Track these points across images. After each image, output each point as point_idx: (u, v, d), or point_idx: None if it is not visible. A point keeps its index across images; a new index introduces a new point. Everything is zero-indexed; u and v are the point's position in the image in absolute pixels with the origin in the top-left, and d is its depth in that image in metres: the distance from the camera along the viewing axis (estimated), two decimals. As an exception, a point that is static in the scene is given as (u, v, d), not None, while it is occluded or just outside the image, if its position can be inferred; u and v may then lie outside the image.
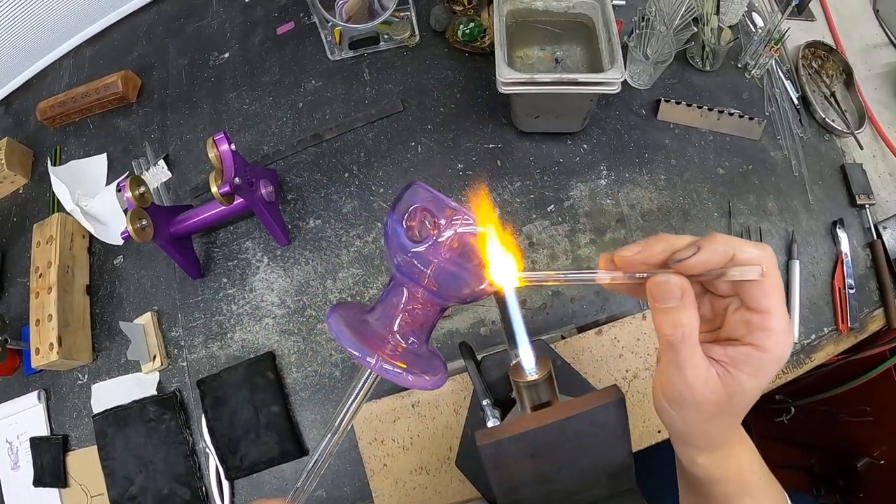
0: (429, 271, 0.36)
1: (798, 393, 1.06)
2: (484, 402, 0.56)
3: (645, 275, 0.29)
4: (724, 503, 0.34)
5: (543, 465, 0.38)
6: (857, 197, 0.78)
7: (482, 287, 0.37)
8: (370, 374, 0.37)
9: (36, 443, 0.80)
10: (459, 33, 0.84)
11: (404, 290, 0.38)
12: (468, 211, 0.36)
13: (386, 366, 0.35)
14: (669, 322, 0.27)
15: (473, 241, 0.35)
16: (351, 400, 0.37)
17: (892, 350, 0.84)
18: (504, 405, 0.57)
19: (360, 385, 0.37)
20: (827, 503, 1.12)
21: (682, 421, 0.30)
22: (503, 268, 0.34)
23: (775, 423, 1.10)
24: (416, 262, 0.36)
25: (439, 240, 0.35)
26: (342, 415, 0.37)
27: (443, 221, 0.35)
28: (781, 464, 1.18)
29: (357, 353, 0.35)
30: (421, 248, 0.35)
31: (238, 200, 0.73)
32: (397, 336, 0.38)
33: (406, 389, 0.70)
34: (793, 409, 1.07)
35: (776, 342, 0.27)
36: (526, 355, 0.37)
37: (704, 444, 0.32)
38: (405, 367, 0.36)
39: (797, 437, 1.14)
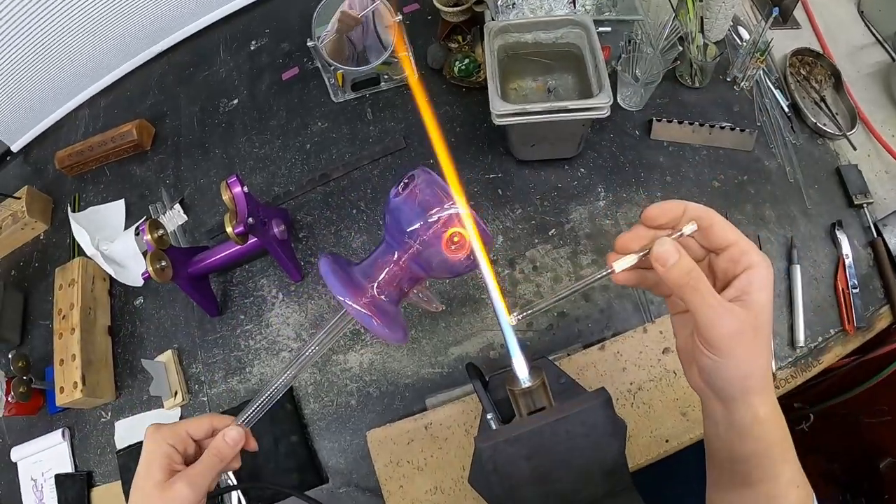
0: (417, 245, 0.41)
1: (816, 399, 1.06)
2: (488, 416, 0.58)
3: (643, 254, 0.35)
4: (769, 471, 0.36)
5: (540, 465, 0.40)
6: (854, 197, 0.79)
7: (458, 271, 0.42)
8: (345, 314, 0.42)
9: (60, 479, 0.82)
10: (456, 69, 0.88)
11: (394, 253, 0.43)
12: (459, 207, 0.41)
13: (362, 309, 0.41)
14: (682, 273, 0.33)
15: (459, 234, 0.40)
16: (323, 334, 0.43)
17: (904, 346, 0.84)
18: (509, 421, 0.58)
19: (335, 322, 0.43)
20: (852, 509, 1.11)
21: (731, 357, 0.33)
22: (503, 320, 0.39)
23: (796, 431, 1.09)
24: (409, 236, 0.41)
25: (436, 224, 0.40)
26: (310, 348, 0.44)
27: (440, 206, 0.41)
28: (805, 471, 1.17)
29: (340, 295, 0.41)
30: (417, 226, 0.41)
31: (252, 240, 0.76)
32: (375, 290, 0.43)
33: (420, 412, 0.71)
34: (811, 416, 1.06)
35: (758, 256, 0.34)
36: (519, 365, 0.41)
37: (761, 375, 0.34)
38: (374, 315, 0.41)
39: (818, 444, 1.13)
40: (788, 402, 1.06)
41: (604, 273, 0.36)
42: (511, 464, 0.40)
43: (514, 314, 0.38)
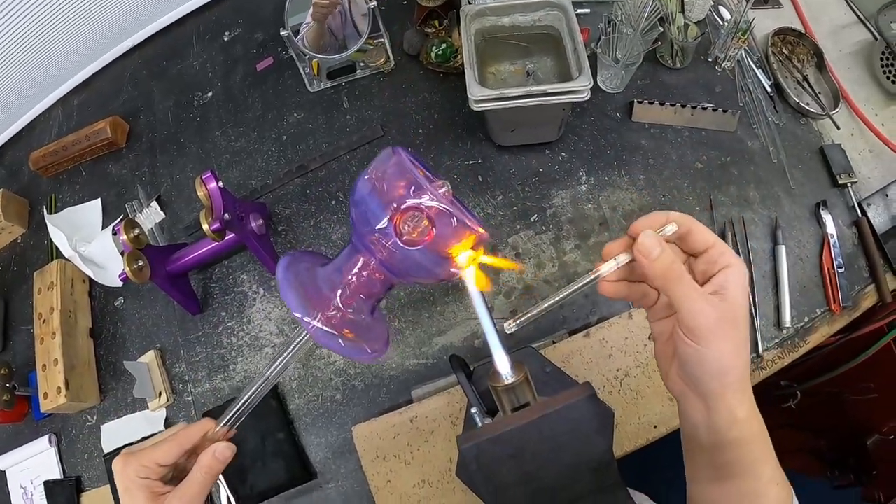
0: (389, 246, 0.35)
1: (802, 377, 1.07)
2: (472, 410, 0.57)
3: (627, 258, 0.37)
4: (749, 469, 0.37)
5: (525, 464, 0.39)
6: (838, 177, 0.79)
7: (444, 277, 0.38)
8: (306, 334, 0.37)
9: (49, 486, 0.81)
10: (433, 55, 0.86)
11: (360, 257, 0.37)
12: (442, 192, 0.35)
13: (324, 327, 0.36)
14: (665, 265, 0.35)
15: (445, 231, 0.35)
16: (283, 355, 0.39)
17: (890, 325, 0.84)
18: (495, 413, 0.58)
19: (297, 343, 0.38)
20: (842, 485, 1.12)
21: (712, 346, 0.35)
22: (488, 326, 0.38)
23: (783, 409, 1.10)
24: (379, 236, 0.35)
25: (396, 209, 0.34)
26: (272, 367, 0.39)
27: (405, 190, 0.34)
28: (792, 449, 1.18)
29: (298, 313, 0.36)
30: (386, 224, 0.34)
31: (230, 235, 0.75)
32: (341, 301, 0.37)
33: (406, 403, 0.71)
34: (798, 394, 1.07)
35: (734, 257, 0.36)
36: (501, 361, 0.39)
37: (739, 374, 0.36)
38: (342, 333, 0.36)
39: (806, 421, 1.14)
40: (775, 380, 1.06)
41: (592, 277, 0.37)
42: (495, 463, 0.39)
43: (510, 323, 0.38)
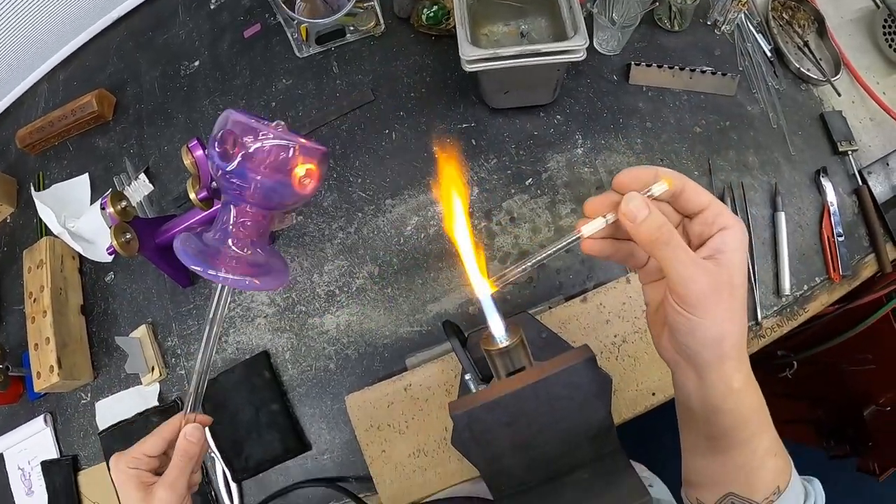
0: (250, 187, 0.41)
1: (799, 346, 1.06)
2: (466, 377, 0.56)
3: (612, 218, 0.34)
4: (746, 441, 0.36)
5: (521, 431, 0.38)
6: (838, 144, 0.78)
7: (302, 195, 0.43)
8: (221, 286, 0.42)
9: (47, 466, 0.81)
10: (423, 17, 0.84)
11: (231, 207, 0.43)
12: (274, 129, 0.41)
13: (229, 276, 0.41)
14: (653, 228, 0.32)
15: (285, 157, 0.41)
16: (210, 314, 0.43)
17: (889, 295, 0.84)
18: (491, 380, 0.57)
19: (217, 298, 0.43)
20: (838, 455, 1.12)
21: (706, 314, 0.32)
22: (474, 277, 0.37)
23: (780, 378, 1.10)
24: (234, 180, 0.41)
25: (246, 157, 0.40)
26: (206, 330, 0.44)
27: (249, 139, 0.40)
28: (789, 419, 1.18)
29: (199, 269, 0.41)
30: (233, 166, 0.40)
31: (218, 204, 0.73)
32: (234, 248, 0.43)
33: (400, 372, 0.70)
34: (795, 364, 1.07)
35: (731, 218, 0.33)
36: (494, 323, 0.38)
37: (735, 341, 0.33)
38: (246, 275, 0.41)
39: (802, 391, 1.14)
40: (772, 349, 1.06)
41: (573, 238, 0.35)
42: (490, 431, 0.38)
43: (493, 280, 0.36)
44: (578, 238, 0.35)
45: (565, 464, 0.39)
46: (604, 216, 0.34)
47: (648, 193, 0.33)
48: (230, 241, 0.43)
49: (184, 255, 0.41)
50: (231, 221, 0.43)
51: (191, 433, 0.43)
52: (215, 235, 0.44)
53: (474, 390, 0.55)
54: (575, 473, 0.39)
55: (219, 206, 0.73)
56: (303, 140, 0.42)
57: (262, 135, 0.41)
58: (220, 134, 0.41)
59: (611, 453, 0.39)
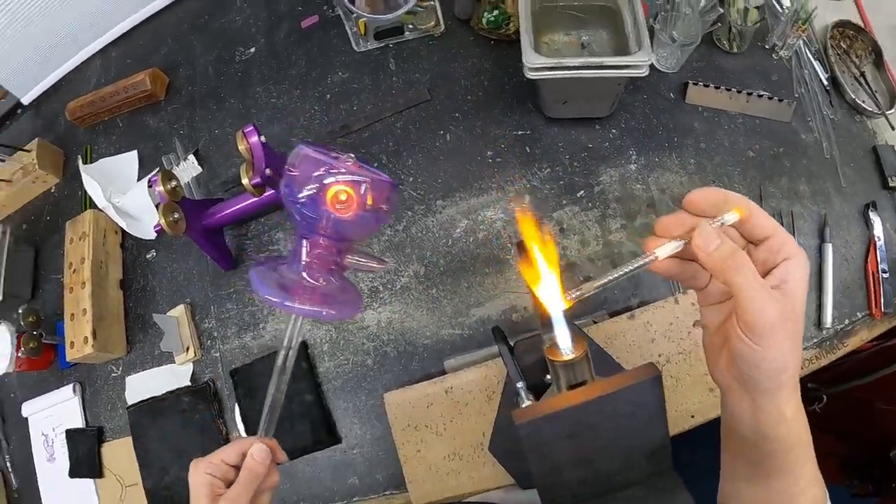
0: (321, 220, 0.43)
1: (831, 381, 1.05)
2: (518, 385, 0.56)
3: (684, 243, 0.34)
4: (790, 469, 0.36)
5: (582, 445, 0.37)
6: (889, 179, 0.77)
7: (372, 230, 0.48)
8: (294, 318, 0.45)
9: (71, 434, 0.82)
10: (484, 21, 0.84)
11: (305, 241, 0.45)
12: (347, 165, 0.43)
13: (304, 307, 0.43)
14: (724, 256, 0.32)
15: (357, 192, 0.42)
16: (286, 342, 0.45)
17: (930, 336, 0.82)
18: (536, 390, 0.56)
19: (292, 328, 0.45)
20: (860, 493, 1.10)
21: (771, 346, 0.32)
22: (549, 293, 0.36)
23: (808, 411, 1.08)
24: (305, 212, 0.43)
25: (318, 191, 0.42)
26: (280, 359, 0.46)
27: (321, 172, 0.42)
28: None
29: (276, 300, 0.42)
30: (304, 200, 0.42)
31: (269, 192, 0.74)
32: (309, 280, 0.45)
33: (438, 373, 0.70)
34: (825, 398, 1.05)
35: (796, 248, 0.33)
36: (562, 334, 0.37)
37: (793, 372, 0.34)
38: (320, 305, 0.43)
39: (830, 425, 1.12)
40: (802, 382, 1.04)
41: (648, 259, 0.35)
42: (551, 443, 0.37)
43: (572, 292, 0.36)
44: (653, 259, 0.35)
45: (621, 479, 0.39)
46: (676, 240, 0.34)
47: (720, 222, 0.33)
48: (304, 273, 0.45)
49: (260, 286, 0.43)
50: (305, 253, 0.45)
51: (257, 453, 0.45)
52: (291, 267, 0.46)
53: (525, 399, 0.55)
54: (629, 489, 0.39)
55: (270, 193, 0.74)
56: (377, 174, 0.44)
57: (334, 170, 0.42)
58: (294, 167, 0.43)
59: (664, 471, 0.39)
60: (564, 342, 0.38)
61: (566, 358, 0.37)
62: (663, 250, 0.34)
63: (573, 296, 0.36)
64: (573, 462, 0.38)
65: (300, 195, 0.42)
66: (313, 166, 0.43)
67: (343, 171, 0.43)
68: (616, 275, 0.35)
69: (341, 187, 0.42)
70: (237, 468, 0.45)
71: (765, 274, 0.34)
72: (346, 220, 0.43)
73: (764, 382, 0.33)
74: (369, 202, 0.43)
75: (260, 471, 0.44)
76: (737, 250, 0.32)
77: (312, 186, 0.42)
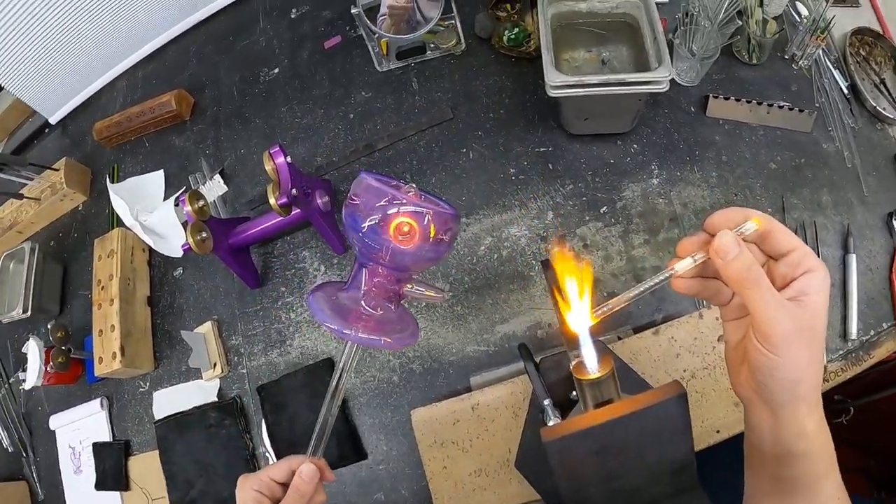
0: (381, 250, 0.43)
1: (858, 392, 1.03)
2: (545, 402, 0.56)
3: (703, 256, 0.35)
4: (812, 485, 0.36)
5: (609, 462, 0.38)
6: (913, 187, 0.77)
7: (432, 261, 0.45)
8: (350, 343, 0.44)
9: (98, 448, 0.84)
10: (505, 39, 0.85)
11: (364, 269, 0.45)
12: (409, 195, 0.43)
13: (362, 335, 0.42)
14: (742, 268, 0.33)
15: (416, 223, 0.42)
16: (340, 367, 0.45)
17: (957, 346, 0.81)
18: (563, 407, 0.57)
19: (347, 353, 0.45)
20: (889, 507, 1.08)
21: (787, 356, 0.33)
22: (576, 311, 0.37)
23: (834, 424, 1.06)
24: (367, 242, 0.42)
25: (381, 221, 0.42)
26: (334, 382, 0.46)
27: (383, 203, 0.42)
28: (840, 465, 1.15)
29: (334, 327, 0.42)
30: (366, 229, 0.42)
31: (295, 211, 0.75)
32: (367, 308, 0.45)
33: (464, 390, 0.70)
34: (852, 410, 1.03)
35: (816, 261, 0.34)
36: (588, 353, 0.38)
37: (812, 384, 0.34)
38: (378, 333, 0.43)
39: (857, 438, 1.10)
40: (829, 394, 1.03)
41: (666, 275, 0.36)
42: (578, 460, 0.38)
43: (595, 312, 0.37)
44: (672, 275, 0.36)
45: (646, 496, 0.39)
46: (693, 256, 0.35)
47: (739, 232, 0.34)
48: (363, 301, 0.45)
49: (319, 313, 0.43)
50: (363, 281, 0.45)
51: (306, 472, 0.45)
52: (349, 293, 0.46)
53: (552, 416, 0.55)
54: (656, 506, 0.39)
55: (296, 212, 0.76)
56: (438, 204, 0.44)
57: (397, 202, 0.42)
58: (356, 198, 0.43)
59: (690, 488, 0.39)
60: (591, 361, 0.38)
61: (593, 376, 0.38)
62: (682, 264, 0.36)
63: (598, 312, 0.37)
64: (600, 479, 0.39)
65: (363, 224, 0.42)
66: (376, 196, 0.42)
67: (405, 201, 0.42)
68: (637, 291, 0.36)
69: (404, 219, 0.41)
70: (284, 485, 0.45)
71: (784, 287, 0.34)
72: (407, 251, 0.43)
73: (781, 393, 0.34)
74: (431, 233, 0.42)
75: (307, 490, 0.45)
76: (754, 264, 0.33)
77: (375, 217, 0.42)
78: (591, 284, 0.38)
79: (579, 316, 0.37)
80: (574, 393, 0.58)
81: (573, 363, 0.40)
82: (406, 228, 0.42)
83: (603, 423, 0.37)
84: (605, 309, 0.36)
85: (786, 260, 0.35)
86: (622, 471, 0.38)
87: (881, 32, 0.88)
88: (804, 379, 0.33)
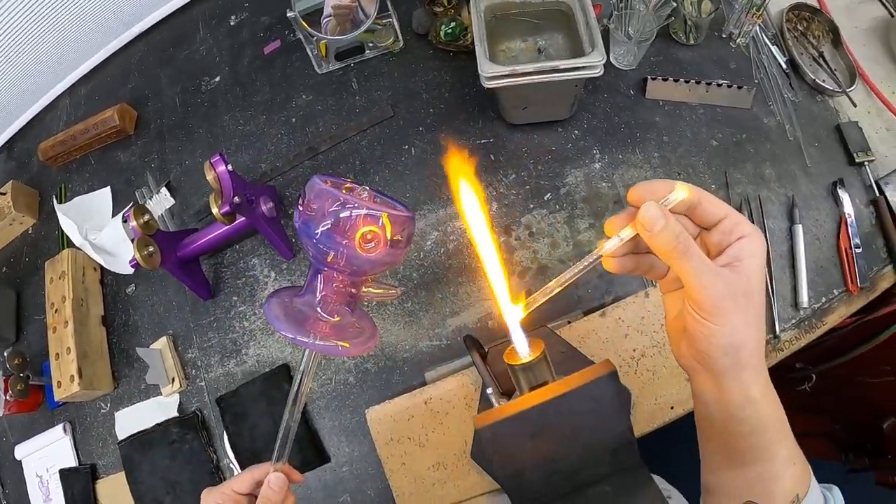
0: (336, 255, 0.42)
1: (817, 359, 1.05)
2: (488, 391, 0.56)
3: (631, 233, 0.34)
4: (764, 452, 0.36)
5: (545, 444, 0.38)
6: (855, 155, 0.77)
7: (388, 264, 0.44)
8: (310, 353, 0.44)
9: (65, 474, 0.82)
10: (442, 34, 0.85)
11: (319, 274, 0.44)
12: (361, 198, 0.42)
13: (318, 342, 0.42)
14: (670, 237, 0.32)
15: (370, 225, 0.41)
16: (301, 372, 0.45)
17: (908, 307, 0.83)
18: (511, 394, 0.57)
19: (306, 359, 0.44)
20: (857, 468, 1.11)
21: (723, 321, 0.33)
22: (506, 304, 0.38)
23: (798, 392, 1.09)
24: (321, 247, 0.42)
25: (332, 225, 0.41)
26: (295, 388, 0.45)
27: (335, 208, 0.41)
28: (807, 432, 1.17)
29: (290, 335, 0.41)
30: (319, 235, 0.41)
31: (240, 219, 0.74)
32: (323, 314, 0.44)
33: (419, 386, 0.71)
34: (814, 377, 1.06)
35: (749, 227, 0.34)
36: (518, 339, 0.39)
37: (753, 348, 0.34)
38: (335, 339, 0.42)
39: (821, 404, 1.13)
40: (790, 363, 1.05)
41: (594, 258, 0.35)
42: (513, 444, 0.38)
43: (521, 308, 0.37)
44: (599, 257, 0.35)
45: (587, 477, 0.39)
46: (619, 234, 0.35)
47: (665, 203, 0.34)
48: (319, 308, 0.44)
49: (275, 321, 0.42)
50: (319, 287, 0.44)
51: (273, 481, 0.45)
52: (304, 299, 0.45)
53: (496, 404, 0.55)
54: (596, 487, 0.39)
55: (241, 220, 0.75)
56: (393, 205, 0.43)
57: (350, 204, 0.41)
58: (307, 200, 0.42)
59: (631, 467, 0.39)
60: (521, 346, 0.39)
61: (523, 360, 0.39)
62: (609, 244, 0.35)
63: (526, 307, 0.37)
64: (536, 462, 0.39)
65: (316, 231, 0.41)
66: (328, 201, 0.41)
67: (357, 205, 0.41)
68: (566, 277, 0.36)
69: (369, 227, 0.40)
70: (248, 496, 0.45)
71: (719, 255, 0.34)
72: (372, 258, 0.42)
73: (721, 360, 0.34)
74: (389, 236, 0.42)
75: (277, 499, 0.44)
76: (682, 233, 0.32)
77: (327, 222, 0.41)
78: (504, 268, 0.38)
79: (506, 306, 0.38)
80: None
81: (506, 350, 0.40)
82: (370, 236, 0.41)
83: (535, 405, 0.38)
84: (531, 303, 0.37)
85: (718, 228, 0.34)
86: (559, 453, 0.38)
87: (818, 7, 0.89)
88: (743, 344, 0.33)
